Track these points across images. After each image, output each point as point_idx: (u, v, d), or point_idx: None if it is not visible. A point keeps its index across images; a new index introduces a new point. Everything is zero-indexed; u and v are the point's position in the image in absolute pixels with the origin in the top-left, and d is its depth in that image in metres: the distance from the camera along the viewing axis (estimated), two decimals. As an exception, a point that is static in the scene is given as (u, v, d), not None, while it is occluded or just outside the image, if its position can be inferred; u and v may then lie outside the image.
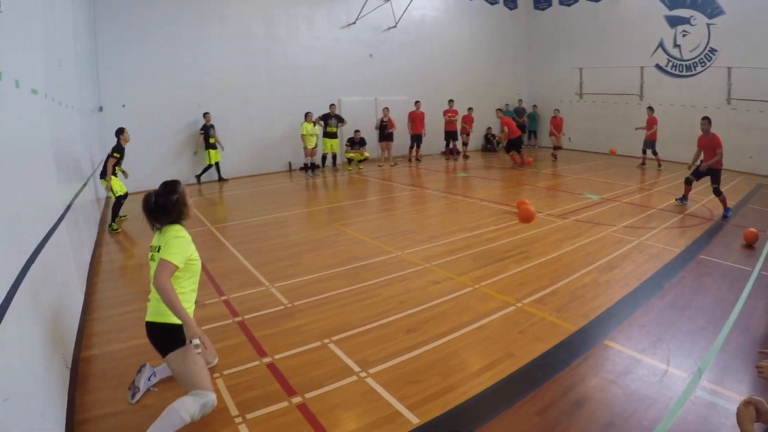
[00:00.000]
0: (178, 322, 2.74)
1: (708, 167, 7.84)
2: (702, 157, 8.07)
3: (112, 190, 7.96)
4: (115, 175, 8.05)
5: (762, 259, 5.75)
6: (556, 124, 14.70)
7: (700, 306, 4.46)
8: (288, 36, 13.30)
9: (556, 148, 14.85)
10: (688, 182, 8.39)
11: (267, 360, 3.67)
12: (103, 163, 8.21)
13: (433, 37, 16.22)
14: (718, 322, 4.10)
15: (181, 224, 2.95)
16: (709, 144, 7.82)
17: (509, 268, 5.53)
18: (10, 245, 2.54)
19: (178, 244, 2.79)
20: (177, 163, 11.69)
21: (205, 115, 11.68)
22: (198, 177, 11.93)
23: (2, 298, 2.18)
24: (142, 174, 9.90)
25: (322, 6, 13.84)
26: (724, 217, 7.66)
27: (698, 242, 6.42)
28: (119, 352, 3.87)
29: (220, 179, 12.18)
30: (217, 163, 12.04)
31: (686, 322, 4.15)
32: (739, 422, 1.89)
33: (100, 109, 10.50)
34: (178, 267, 2.75)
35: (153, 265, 2.83)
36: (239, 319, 4.39)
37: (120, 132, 8.08)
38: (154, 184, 3.05)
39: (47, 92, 4.28)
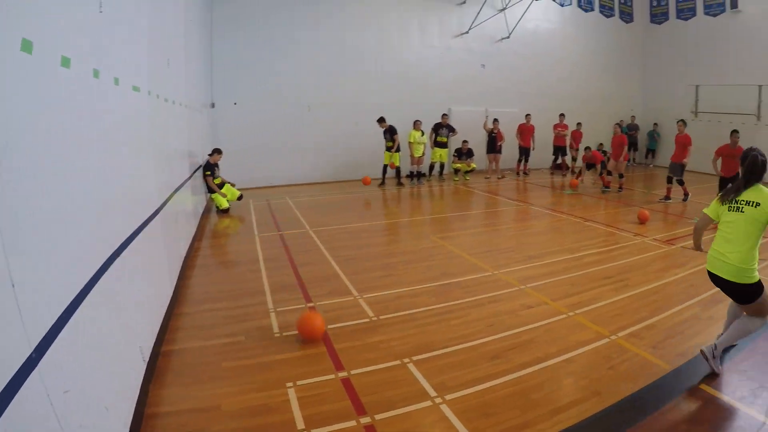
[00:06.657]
0: (756, 279, 3.39)
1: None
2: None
3: (216, 206, 9.19)
4: (217, 188, 9.03)
5: None
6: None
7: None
8: (400, 43, 13.56)
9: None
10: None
11: (343, 374, 3.60)
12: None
13: (547, 48, 15.82)
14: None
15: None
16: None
17: (606, 296, 5.24)
18: (101, 233, 2.74)
19: None
20: (273, 163, 12.19)
21: (380, 122, 12.13)
22: (398, 178, 12.75)
23: (82, 286, 2.27)
24: (241, 170, 10.79)
25: (434, 14, 14.05)
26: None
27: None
28: (200, 349, 4.03)
29: (399, 183, 12.66)
30: (396, 167, 12.43)
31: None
32: None
33: (212, 105, 11.31)
34: None
35: (739, 217, 3.44)
36: (322, 328, 4.36)
37: (212, 153, 9.04)
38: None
39: (150, 89, 4.46)
